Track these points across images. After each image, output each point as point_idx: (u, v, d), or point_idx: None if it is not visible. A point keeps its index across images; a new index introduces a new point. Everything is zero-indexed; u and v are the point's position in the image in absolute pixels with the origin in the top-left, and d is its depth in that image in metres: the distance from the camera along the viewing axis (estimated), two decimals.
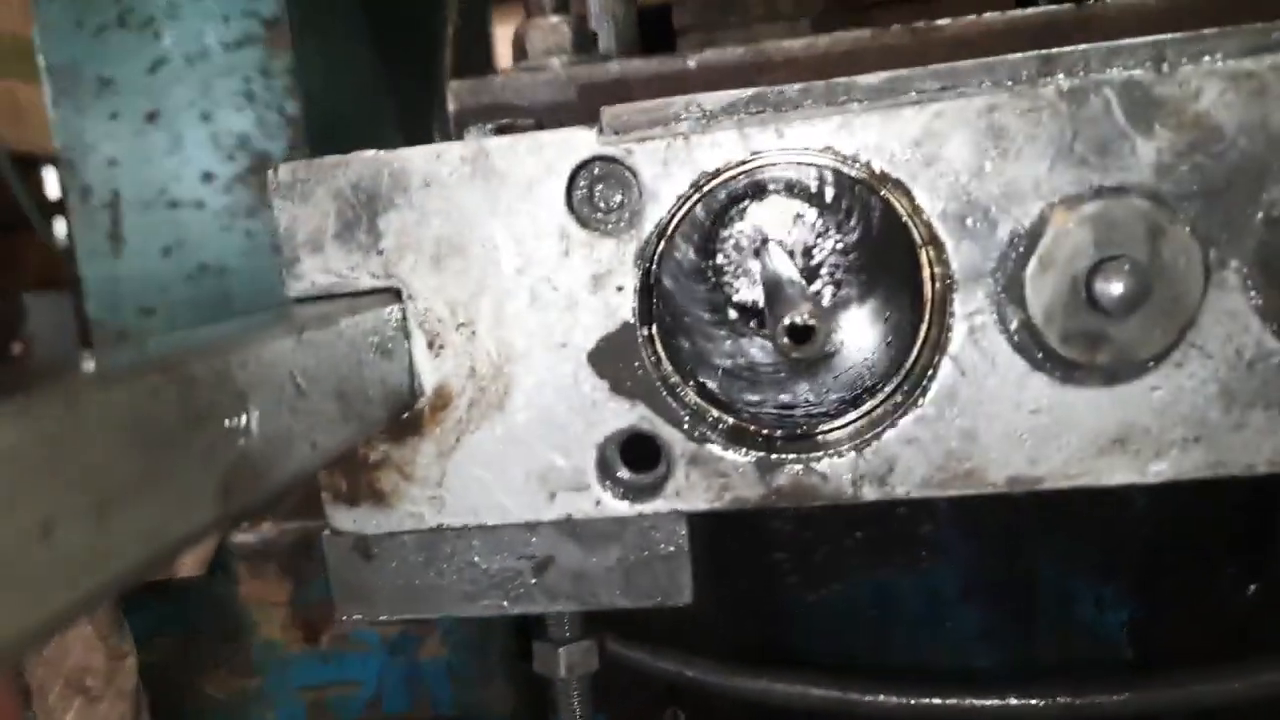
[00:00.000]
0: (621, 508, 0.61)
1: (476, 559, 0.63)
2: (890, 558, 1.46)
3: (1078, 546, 1.32)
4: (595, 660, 0.72)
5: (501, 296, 0.60)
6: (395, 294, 0.60)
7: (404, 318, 0.60)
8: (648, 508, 0.60)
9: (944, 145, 0.55)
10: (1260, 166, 0.53)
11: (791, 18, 1.63)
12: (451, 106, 0.94)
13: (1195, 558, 1.31)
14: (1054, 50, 0.55)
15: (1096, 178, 0.54)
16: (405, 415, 0.60)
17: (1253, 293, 0.54)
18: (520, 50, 0.98)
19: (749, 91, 0.57)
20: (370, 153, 0.61)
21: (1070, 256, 0.53)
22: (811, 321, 0.52)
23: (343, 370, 0.50)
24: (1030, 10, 0.88)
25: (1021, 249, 0.54)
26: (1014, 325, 0.55)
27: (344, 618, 0.64)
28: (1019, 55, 0.55)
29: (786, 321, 0.51)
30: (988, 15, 0.90)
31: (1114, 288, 0.52)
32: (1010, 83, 0.55)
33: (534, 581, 0.64)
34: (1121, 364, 0.54)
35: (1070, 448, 0.57)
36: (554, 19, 0.95)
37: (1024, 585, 1.38)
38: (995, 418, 0.57)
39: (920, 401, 0.57)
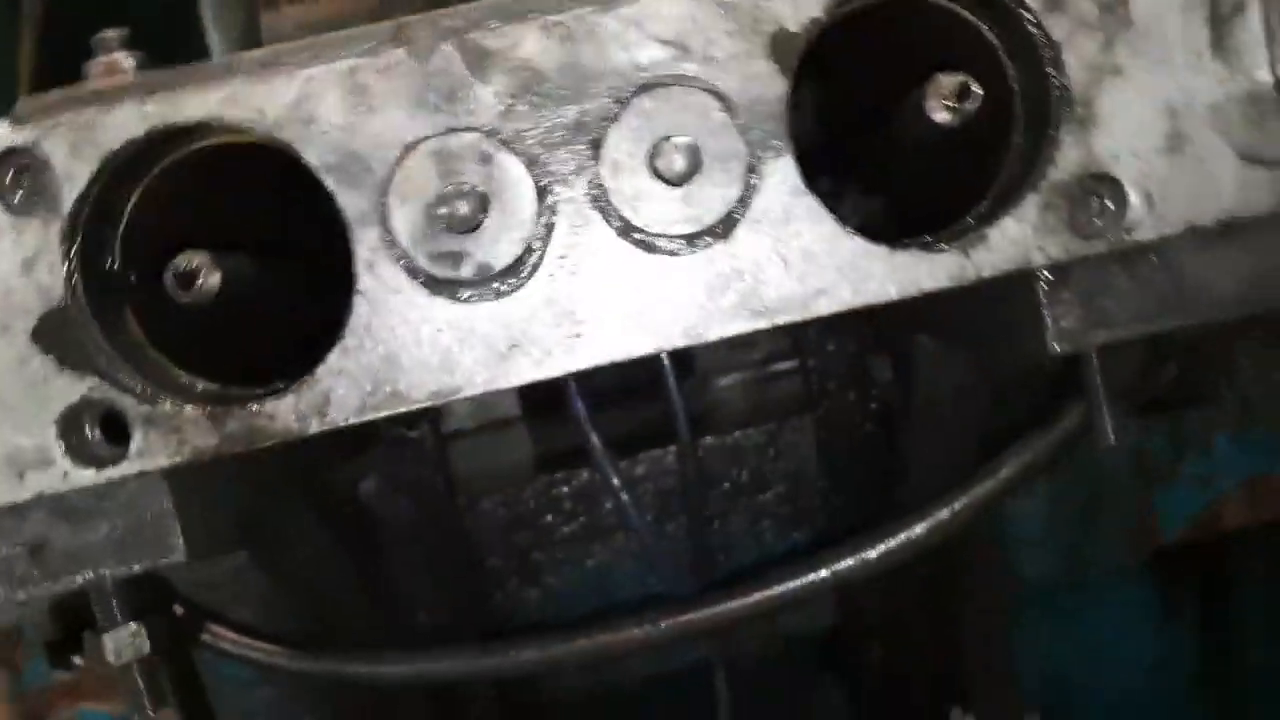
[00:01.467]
0: (88, 476, 0.64)
1: None
2: (602, 541, 1.53)
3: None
4: (146, 643, 0.75)
5: None
6: None
7: None
8: (115, 473, 0.65)
9: (318, 106, 0.63)
10: (579, 98, 0.63)
11: None
12: None
13: None
14: (407, 19, 0.64)
15: (448, 121, 0.63)
16: None
17: (602, 204, 0.64)
18: None
19: (139, 76, 0.63)
20: None
21: (419, 189, 0.61)
22: (194, 267, 0.58)
23: None
24: None
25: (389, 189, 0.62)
26: (399, 255, 0.63)
27: None
28: (378, 25, 0.64)
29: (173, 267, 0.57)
30: None
31: (459, 209, 0.61)
32: (371, 46, 0.63)
33: (33, 566, 0.67)
34: (483, 276, 0.62)
35: (477, 358, 0.65)
36: (119, 55, 1.00)
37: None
38: (408, 340, 0.64)
39: (342, 336, 0.64)
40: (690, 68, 0.64)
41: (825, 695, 1.72)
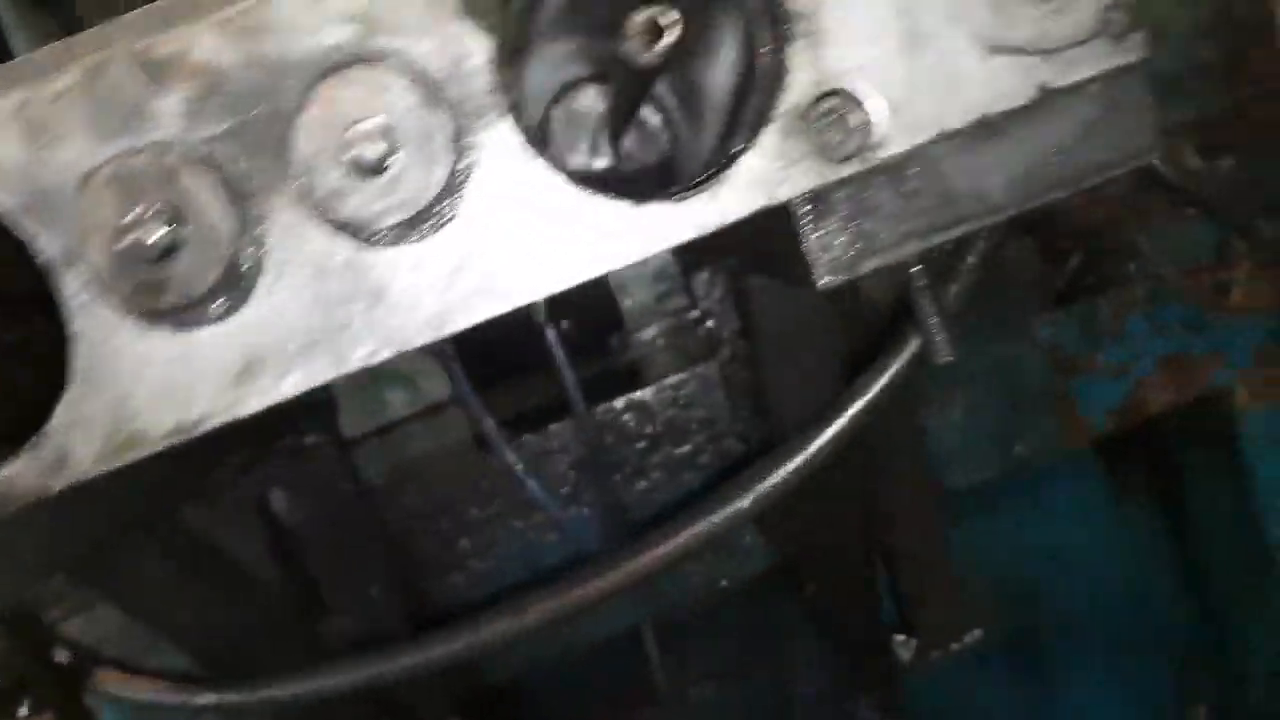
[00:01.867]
0: None
1: None
2: (525, 518, 1.51)
3: None
4: None
5: None
6: None
7: None
8: None
9: None
10: (268, 95, 0.59)
11: None
12: None
13: None
14: (76, 37, 0.59)
15: (135, 140, 0.59)
16: None
17: (309, 204, 0.60)
18: None
19: None
20: None
21: (106, 220, 0.57)
22: None
23: None
24: None
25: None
26: (106, 292, 0.59)
27: None
28: (48, 49, 0.59)
29: None
30: None
31: (148, 237, 0.57)
32: (39, 74, 0.59)
33: None
34: (192, 301, 0.59)
35: (212, 385, 0.61)
36: None
37: None
38: (135, 379, 0.61)
39: (67, 386, 0.61)
40: (382, 41, 0.59)
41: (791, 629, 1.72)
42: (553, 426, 1.48)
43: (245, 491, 1.36)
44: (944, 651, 1.45)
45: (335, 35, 0.59)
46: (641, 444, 1.50)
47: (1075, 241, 1.48)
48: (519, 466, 1.35)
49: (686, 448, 1.50)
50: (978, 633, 1.45)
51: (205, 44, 0.59)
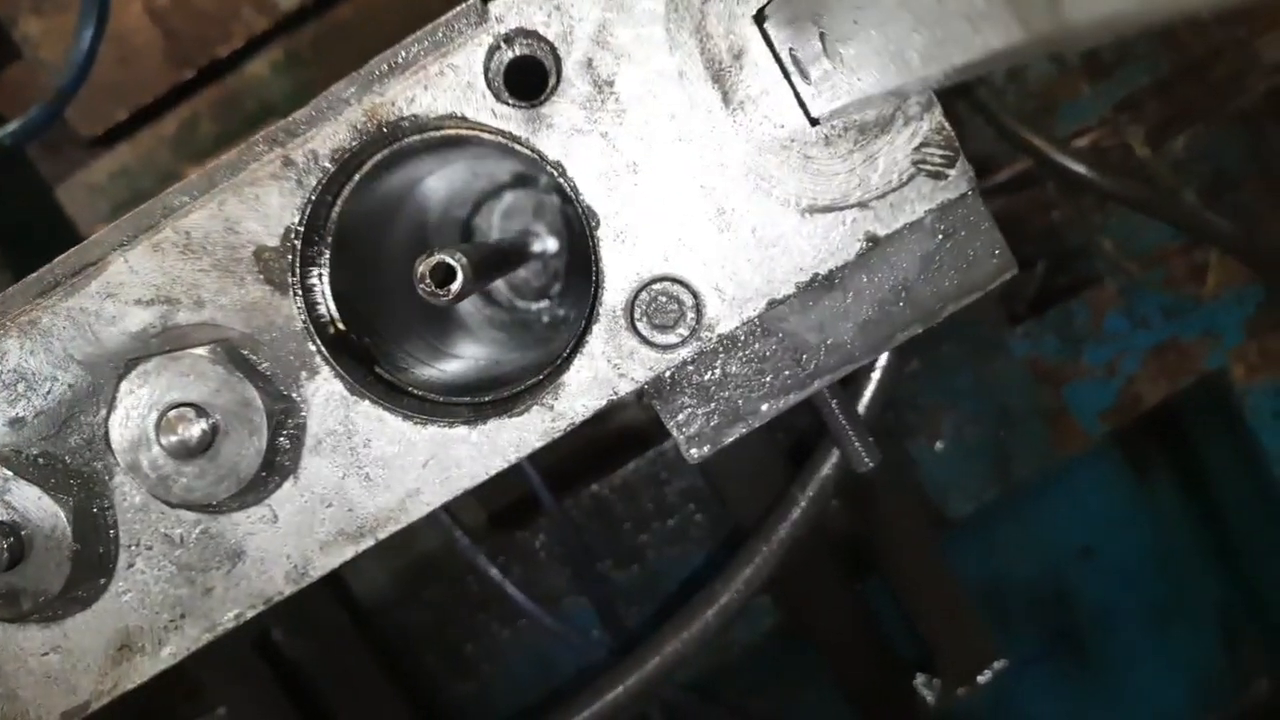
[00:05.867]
0: None
1: None
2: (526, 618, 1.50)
3: None
4: None
5: None
6: None
7: None
8: None
9: None
10: (85, 389, 0.59)
11: None
12: None
13: None
14: None
15: None
16: None
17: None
18: None
19: None
20: None
21: None
22: None
23: None
24: None
25: None
26: None
27: None
28: None
29: None
30: None
31: None
32: None
33: None
34: (46, 602, 0.59)
35: (92, 668, 0.62)
36: None
37: None
38: (19, 674, 0.62)
39: None
40: (186, 318, 0.58)
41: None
42: (540, 520, 1.47)
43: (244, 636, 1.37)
44: (970, 688, 1.41)
45: (139, 319, 0.58)
46: (627, 525, 1.48)
47: (1037, 248, 1.43)
48: (495, 575, 1.34)
49: (674, 520, 1.49)
50: (1002, 662, 1.41)
51: (13, 349, 0.59)
